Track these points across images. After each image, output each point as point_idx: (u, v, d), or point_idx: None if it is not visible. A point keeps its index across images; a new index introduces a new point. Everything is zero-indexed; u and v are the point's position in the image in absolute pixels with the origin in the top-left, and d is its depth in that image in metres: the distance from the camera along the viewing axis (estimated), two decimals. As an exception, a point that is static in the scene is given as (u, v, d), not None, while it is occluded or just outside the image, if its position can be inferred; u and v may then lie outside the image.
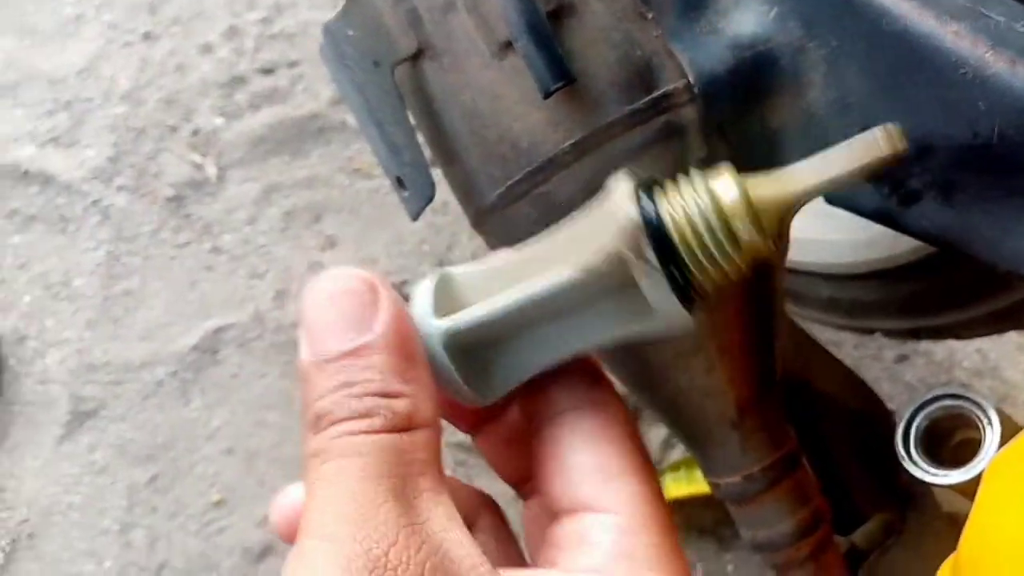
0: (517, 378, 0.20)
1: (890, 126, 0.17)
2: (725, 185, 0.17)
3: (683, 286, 0.18)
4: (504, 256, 0.21)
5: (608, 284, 0.18)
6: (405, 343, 0.20)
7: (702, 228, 0.17)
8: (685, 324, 0.19)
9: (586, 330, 0.19)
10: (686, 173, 0.35)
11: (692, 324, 0.19)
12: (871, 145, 0.17)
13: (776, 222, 0.17)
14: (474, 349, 0.20)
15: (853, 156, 0.17)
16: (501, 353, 0.20)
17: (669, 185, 0.18)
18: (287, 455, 0.87)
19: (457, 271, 0.22)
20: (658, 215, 0.17)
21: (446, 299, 0.21)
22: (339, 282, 0.22)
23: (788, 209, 0.17)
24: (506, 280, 0.20)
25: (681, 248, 0.17)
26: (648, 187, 0.18)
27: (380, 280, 0.21)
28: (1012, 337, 0.89)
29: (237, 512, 0.85)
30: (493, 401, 0.21)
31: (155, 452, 0.86)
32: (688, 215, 0.17)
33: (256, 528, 0.85)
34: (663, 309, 0.18)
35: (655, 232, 0.17)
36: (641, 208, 0.17)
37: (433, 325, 0.20)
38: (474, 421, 0.27)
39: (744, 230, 0.17)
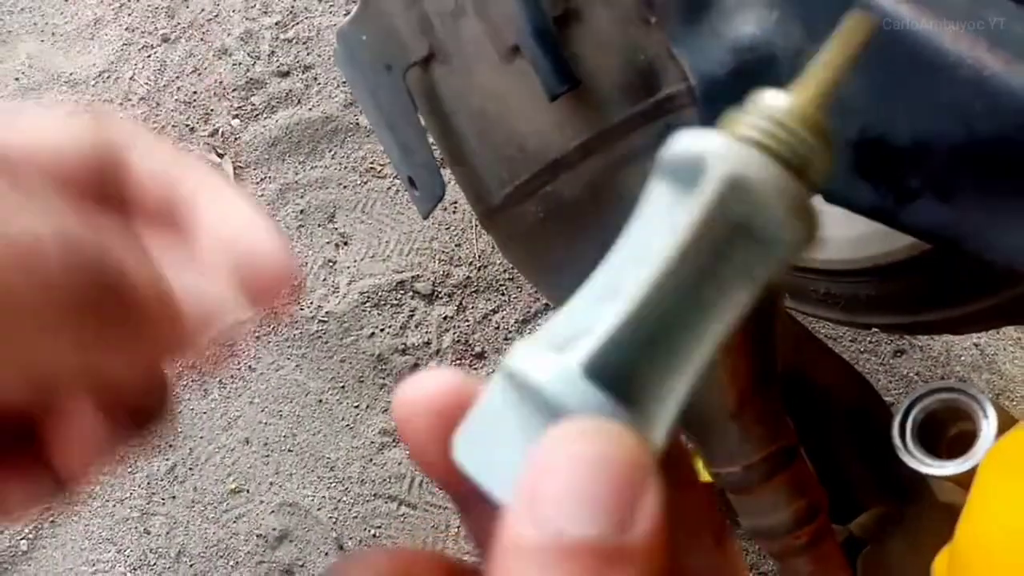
0: (677, 398, 0.15)
1: (854, 14, 0.17)
2: (772, 96, 0.16)
3: (798, 178, 0.15)
4: (583, 291, 0.16)
5: (726, 219, 0.14)
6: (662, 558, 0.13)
7: (781, 128, 0.15)
8: (813, 223, 0.15)
9: (726, 294, 0.15)
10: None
11: (819, 222, 0.15)
12: (851, 31, 0.17)
13: (820, 113, 0.16)
14: (619, 377, 0.14)
15: (843, 46, 0.17)
16: (650, 370, 0.15)
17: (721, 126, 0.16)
18: (301, 444, 0.88)
19: (536, 337, 0.15)
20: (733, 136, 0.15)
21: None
22: (604, 445, 0.14)
23: (825, 101, 0.16)
24: (605, 297, 0.15)
25: (776, 146, 0.15)
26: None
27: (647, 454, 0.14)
28: (1009, 332, 0.89)
29: (253, 500, 0.86)
30: (664, 441, 0.15)
31: (173, 442, 0.87)
32: (758, 126, 0.15)
33: (272, 515, 0.86)
34: (789, 211, 0.14)
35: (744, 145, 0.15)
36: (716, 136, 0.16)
37: (558, 363, 0.14)
38: None
39: (809, 113, 0.16)
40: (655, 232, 0.15)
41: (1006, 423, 0.40)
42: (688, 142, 0.15)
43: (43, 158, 0.18)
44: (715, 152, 0.15)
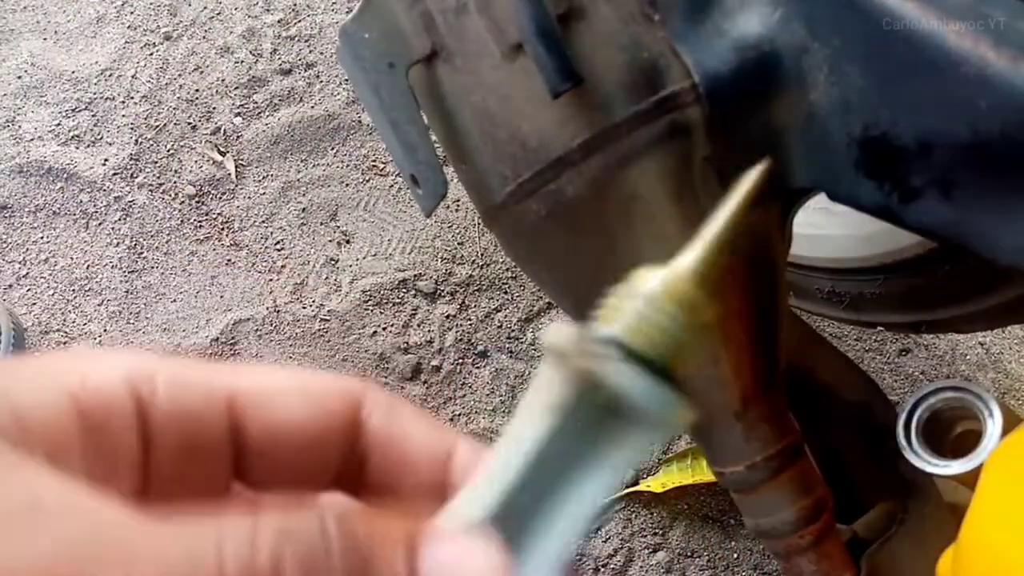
0: (560, 538, 0.17)
1: (758, 167, 0.18)
2: (641, 278, 0.18)
3: (657, 372, 0.17)
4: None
5: (586, 413, 0.17)
6: None
7: (643, 315, 0.17)
8: (675, 413, 0.17)
9: (602, 460, 0.17)
10: (691, 171, 0.36)
11: (685, 412, 0.17)
12: (741, 183, 0.18)
13: (705, 286, 0.17)
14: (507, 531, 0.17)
15: (731, 201, 0.18)
16: (535, 521, 0.17)
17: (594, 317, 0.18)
18: (304, 447, 0.88)
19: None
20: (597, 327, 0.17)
21: None
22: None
23: (707, 275, 0.18)
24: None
25: (634, 339, 0.17)
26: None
27: None
28: (1014, 331, 0.89)
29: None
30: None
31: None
32: (625, 315, 0.17)
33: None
34: (649, 402, 0.16)
35: (603, 337, 0.17)
36: (581, 328, 0.17)
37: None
38: None
39: (684, 294, 0.17)
40: (530, 420, 0.17)
41: (1011, 422, 0.40)
42: (553, 337, 0.17)
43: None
44: (571, 357, 0.16)
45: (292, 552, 0.14)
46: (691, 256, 0.18)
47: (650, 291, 0.17)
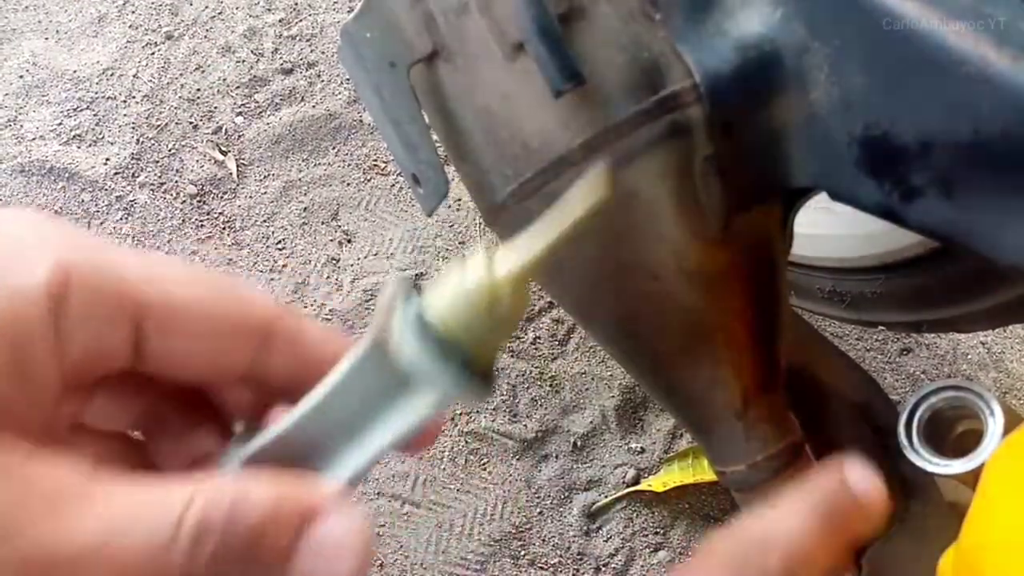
0: (355, 463, 0.20)
1: (594, 171, 0.19)
2: (472, 269, 0.19)
3: (448, 351, 0.19)
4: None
5: (378, 367, 0.19)
6: None
7: (455, 300, 0.19)
8: (454, 390, 0.19)
9: (391, 412, 0.20)
10: (691, 170, 0.36)
11: (471, 392, 0.19)
12: (579, 198, 0.19)
13: (518, 293, 0.19)
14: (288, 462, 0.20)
15: (561, 218, 0.19)
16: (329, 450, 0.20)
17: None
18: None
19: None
20: (412, 295, 0.19)
21: None
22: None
23: (522, 283, 0.19)
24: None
25: (437, 316, 0.19)
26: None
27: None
28: (1016, 330, 0.89)
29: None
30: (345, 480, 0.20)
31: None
32: (443, 292, 0.19)
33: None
34: (427, 375, 0.19)
35: (408, 305, 0.19)
36: (394, 290, 0.19)
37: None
38: None
39: (497, 304, 0.19)
40: (340, 363, 0.20)
41: (1013, 422, 0.40)
42: (384, 291, 0.19)
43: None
44: (379, 313, 0.19)
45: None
46: (517, 256, 0.19)
47: (468, 282, 0.19)
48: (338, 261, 0.95)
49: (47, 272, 0.17)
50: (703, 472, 0.84)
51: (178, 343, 0.19)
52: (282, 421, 0.20)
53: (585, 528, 0.86)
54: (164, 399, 0.21)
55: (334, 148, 1.00)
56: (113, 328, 0.18)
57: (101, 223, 0.97)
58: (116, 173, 0.99)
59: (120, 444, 0.21)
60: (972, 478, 0.39)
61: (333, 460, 0.20)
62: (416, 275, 0.94)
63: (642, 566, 0.85)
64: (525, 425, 0.88)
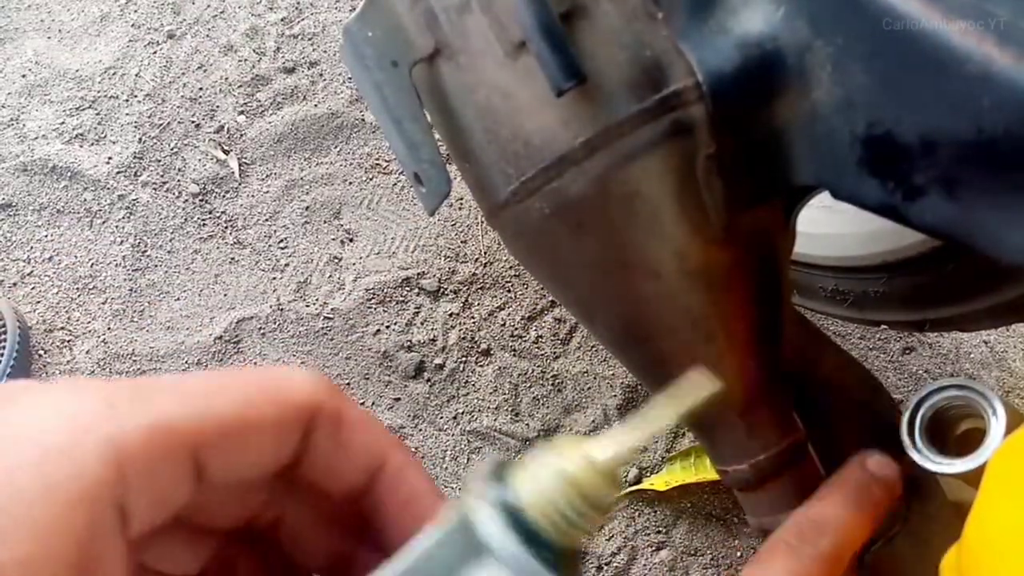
0: None
1: (698, 371, 0.19)
2: (568, 456, 0.19)
3: (534, 541, 0.18)
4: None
5: (463, 544, 0.19)
6: None
7: (545, 489, 0.19)
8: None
9: None
10: (694, 169, 0.36)
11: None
12: (686, 393, 0.19)
13: (613, 483, 0.19)
14: None
15: (671, 408, 0.19)
16: None
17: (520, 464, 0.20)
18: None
19: None
20: (503, 481, 0.19)
21: None
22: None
23: (617, 472, 0.19)
24: None
25: (525, 503, 0.19)
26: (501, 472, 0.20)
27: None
28: (1019, 329, 0.89)
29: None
30: None
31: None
32: (532, 479, 0.19)
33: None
34: (509, 562, 0.18)
35: (496, 490, 0.19)
36: (488, 475, 0.19)
37: None
38: None
39: (592, 493, 0.19)
40: (423, 532, 0.19)
41: (1016, 421, 0.40)
42: (475, 469, 0.19)
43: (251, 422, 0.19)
44: (467, 493, 0.19)
45: None
46: (612, 451, 0.19)
47: (560, 473, 0.19)
48: (340, 260, 0.95)
49: (98, 461, 0.16)
50: (705, 471, 0.84)
51: (234, 457, 0.19)
52: None
53: (587, 527, 0.86)
54: (229, 543, 0.21)
55: (336, 147, 1.00)
56: (175, 472, 0.18)
57: (103, 222, 0.97)
58: (118, 172, 0.99)
59: None
60: (975, 477, 0.39)
61: None
62: (418, 274, 0.94)
63: (644, 565, 0.85)
64: (527, 424, 0.88)
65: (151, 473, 0.17)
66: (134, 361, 0.92)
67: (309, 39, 1.05)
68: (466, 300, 0.93)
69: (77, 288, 0.95)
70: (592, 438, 0.19)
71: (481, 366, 0.90)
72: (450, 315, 0.92)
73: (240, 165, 0.99)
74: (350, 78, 1.01)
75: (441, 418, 0.88)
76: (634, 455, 0.20)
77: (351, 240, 0.96)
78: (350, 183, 0.99)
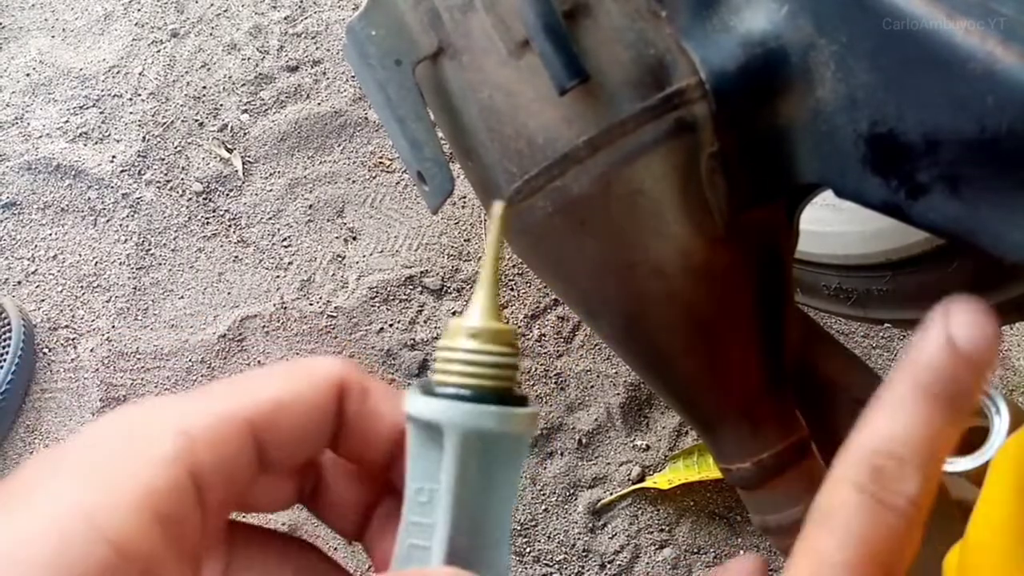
0: (503, 547, 0.22)
1: (495, 205, 0.23)
2: (453, 330, 0.23)
3: (491, 399, 0.21)
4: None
5: (466, 454, 0.21)
6: None
7: (463, 359, 0.22)
8: (516, 424, 0.21)
9: (504, 480, 0.22)
10: (697, 167, 0.36)
11: (524, 420, 0.21)
12: (489, 231, 0.23)
13: (496, 318, 0.22)
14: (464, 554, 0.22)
15: (488, 250, 0.23)
16: (482, 540, 0.22)
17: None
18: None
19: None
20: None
21: None
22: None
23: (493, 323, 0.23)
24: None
25: (463, 381, 0.22)
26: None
27: None
28: (1022, 328, 0.89)
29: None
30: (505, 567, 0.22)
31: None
32: (451, 364, 0.22)
33: (281, 511, 0.86)
34: (483, 426, 0.21)
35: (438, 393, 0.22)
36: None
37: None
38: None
39: (491, 328, 0.22)
40: (436, 480, 0.21)
41: (1019, 419, 0.40)
42: (420, 408, 0.21)
43: (287, 417, 0.21)
44: (445, 421, 0.21)
45: None
46: (478, 300, 0.22)
47: (463, 337, 0.22)
48: (343, 258, 0.95)
49: (171, 443, 0.19)
50: (708, 469, 0.84)
51: (285, 435, 0.21)
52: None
53: (590, 525, 0.86)
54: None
55: (339, 145, 1.00)
56: (240, 454, 0.20)
57: (107, 221, 0.97)
58: (122, 171, 0.99)
59: None
60: (978, 475, 0.39)
61: (483, 555, 0.22)
62: (421, 272, 0.94)
63: (647, 563, 0.85)
64: (530, 422, 0.88)
65: (220, 455, 0.19)
66: (138, 359, 0.92)
67: (312, 38, 1.05)
68: (469, 299, 0.93)
69: (81, 286, 0.95)
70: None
71: (484, 364, 0.90)
72: (453, 314, 0.92)
73: (244, 164, 0.99)
74: (353, 77, 1.01)
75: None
76: (495, 288, 0.22)
77: (354, 238, 0.96)
78: (353, 181, 0.99)
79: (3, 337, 0.89)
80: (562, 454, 0.88)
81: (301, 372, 0.22)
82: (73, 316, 0.94)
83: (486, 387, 0.21)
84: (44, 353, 0.92)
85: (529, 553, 0.85)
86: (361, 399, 0.22)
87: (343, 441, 0.23)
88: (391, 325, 0.92)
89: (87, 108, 1.02)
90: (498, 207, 0.22)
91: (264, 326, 0.92)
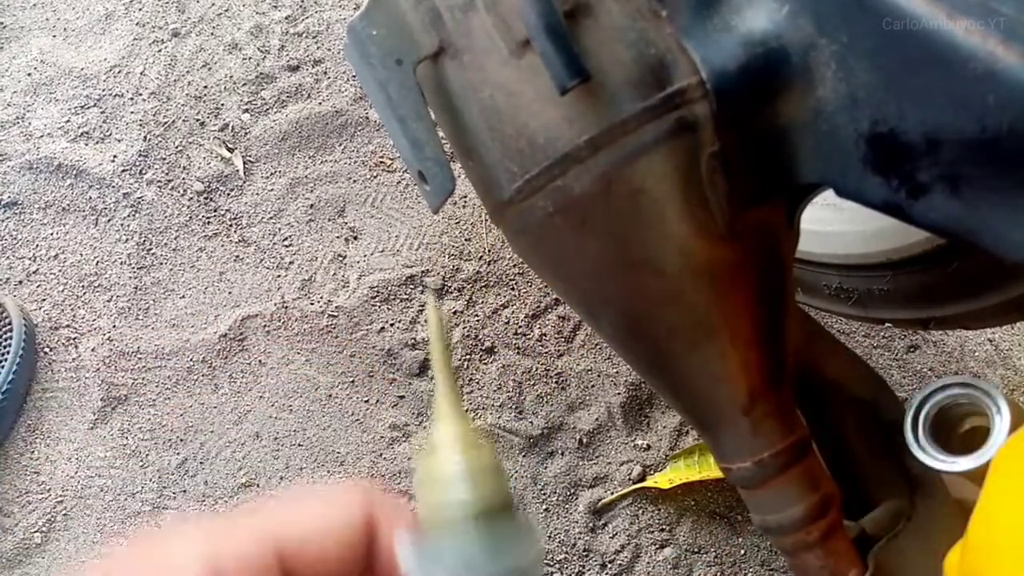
0: None
1: (429, 306, 0.24)
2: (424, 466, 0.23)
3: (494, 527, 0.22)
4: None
5: None
6: None
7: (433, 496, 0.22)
8: (519, 553, 0.22)
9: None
10: (697, 167, 0.36)
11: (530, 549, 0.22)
12: (432, 331, 0.24)
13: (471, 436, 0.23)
14: None
15: (436, 354, 0.23)
16: None
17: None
18: (311, 439, 0.89)
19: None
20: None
21: None
22: None
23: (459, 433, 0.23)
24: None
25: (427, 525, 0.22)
26: None
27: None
28: (1023, 328, 0.89)
29: (264, 494, 0.87)
30: None
31: (184, 436, 0.88)
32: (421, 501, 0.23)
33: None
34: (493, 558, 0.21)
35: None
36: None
37: None
38: None
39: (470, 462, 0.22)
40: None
41: (1020, 419, 0.40)
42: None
43: (313, 549, 0.21)
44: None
45: None
46: (445, 423, 0.22)
47: (429, 478, 0.22)
48: (344, 258, 0.95)
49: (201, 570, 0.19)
50: (709, 469, 0.84)
51: (314, 568, 0.21)
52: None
53: (591, 525, 0.86)
54: None
55: (340, 145, 1.00)
56: None
57: (108, 220, 0.97)
58: (123, 170, 0.99)
59: None
60: (979, 475, 0.39)
61: None
62: (422, 272, 0.94)
63: (648, 563, 0.85)
64: (531, 422, 0.88)
65: None
66: (139, 358, 0.92)
67: (313, 37, 1.05)
68: (470, 298, 0.93)
69: (82, 286, 0.95)
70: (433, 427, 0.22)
71: (485, 364, 0.90)
72: (454, 313, 0.92)
73: (244, 163, 0.99)
74: (354, 76, 1.01)
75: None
76: (456, 410, 0.22)
77: (355, 238, 0.97)
78: (354, 181, 0.99)
79: (4, 336, 0.89)
80: (563, 454, 0.88)
81: (332, 502, 0.22)
82: (74, 315, 0.94)
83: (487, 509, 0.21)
84: (45, 352, 0.92)
85: (530, 552, 0.85)
86: (391, 534, 0.22)
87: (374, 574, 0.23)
88: (392, 325, 0.92)
89: (88, 108, 1.02)
90: (429, 299, 0.23)
91: (265, 325, 0.92)
